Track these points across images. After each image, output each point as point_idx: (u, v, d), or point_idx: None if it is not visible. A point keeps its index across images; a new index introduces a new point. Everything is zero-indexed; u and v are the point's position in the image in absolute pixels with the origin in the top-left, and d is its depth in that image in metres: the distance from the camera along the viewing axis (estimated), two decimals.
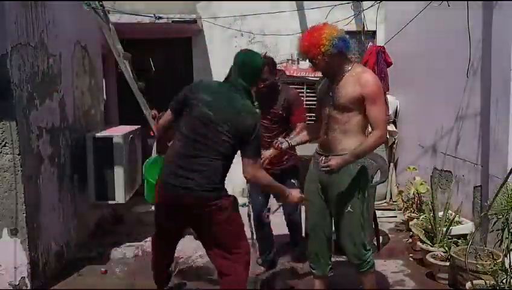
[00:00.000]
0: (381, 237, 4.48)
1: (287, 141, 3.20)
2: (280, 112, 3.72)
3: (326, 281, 3.17)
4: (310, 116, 5.41)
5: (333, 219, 3.01)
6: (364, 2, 5.94)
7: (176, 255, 4.38)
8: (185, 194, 2.60)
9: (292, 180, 3.75)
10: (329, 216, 3.04)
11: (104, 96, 5.96)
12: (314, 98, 5.38)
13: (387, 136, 5.78)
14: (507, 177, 2.36)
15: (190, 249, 4.51)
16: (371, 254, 3.03)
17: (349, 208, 2.89)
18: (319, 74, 5.27)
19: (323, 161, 2.81)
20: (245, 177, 2.71)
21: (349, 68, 2.85)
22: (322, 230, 3.04)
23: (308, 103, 5.35)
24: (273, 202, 3.92)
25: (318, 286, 3.17)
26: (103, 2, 5.01)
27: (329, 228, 3.06)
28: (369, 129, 2.92)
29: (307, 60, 2.92)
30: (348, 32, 6.84)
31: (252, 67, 2.73)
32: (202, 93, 2.68)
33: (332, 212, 3.00)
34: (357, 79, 2.78)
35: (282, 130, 3.74)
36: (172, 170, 2.66)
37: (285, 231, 4.12)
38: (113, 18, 5.21)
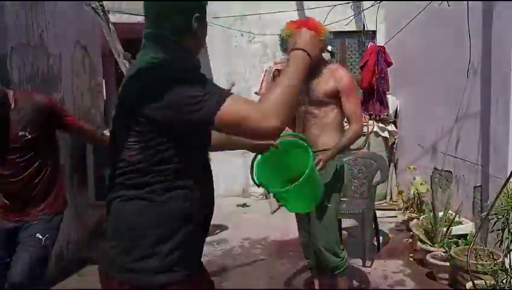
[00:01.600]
0: (381, 237, 4.48)
1: None
2: (22, 133, 2.49)
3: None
4: None
5: (310, 217, 2.95)
6: (364, 2, 5.95)
7: None
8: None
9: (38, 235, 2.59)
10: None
11: (104, 97, 5.96)
12: None
13: (388, 136, 5.79)
14: (509, 178, 2.35)
15: None
16: (346, 257, 2.94)
17: (326, 202, 2.85)
18: None
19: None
20: None
21: (325, 65, 2.93)
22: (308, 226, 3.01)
23: None
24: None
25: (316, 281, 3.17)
26: (103, 2, 5.02)
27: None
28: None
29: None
30: (348, 32, 6.92)
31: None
32: None
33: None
34: (332, 74, 2.86)
35: (49, 153, 2.67)
36: None
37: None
38: (113, 18, 5.21)
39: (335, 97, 2.84)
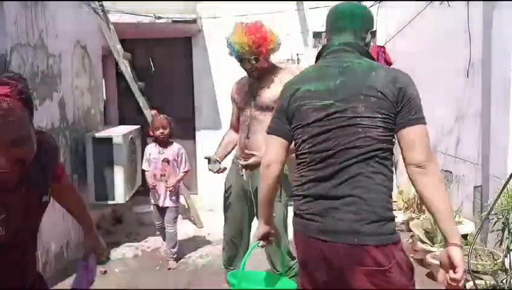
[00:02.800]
0: None
1: (217, 160, 3.08)
2: None
3: None
4: None
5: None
6: (364, 2, 5.94)
7: (175, 255, 4.41)
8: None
9: None
10: (249, 224, 3.05)
11: (104, 96, 5.96)
12: None
13: None
14: (509, 178, 2.36)
15: (190, 248, 4.51)
16: (295, 262, 2.94)
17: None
18: None
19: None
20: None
21: (277, 71, 2.90)
22: (241, 237, 3.04)
23: None
24: None
25: None
26: (103, 2, 5.02)
27: (248, 236, 3.07)
28: None
29: (248, 58, 2.78)
30: None
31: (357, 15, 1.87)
32: (307, 86, 1.78)
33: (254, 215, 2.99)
34: (281, 79, 2.82)
35: None
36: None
37: None
38: (113, 18, 5.21)
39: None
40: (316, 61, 1.89)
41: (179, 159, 4.12)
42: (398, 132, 1.71)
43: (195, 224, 5.24)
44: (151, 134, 5.18)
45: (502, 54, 3.52)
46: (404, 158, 1.72)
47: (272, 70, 2.90)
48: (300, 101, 1.76)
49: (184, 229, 5.09)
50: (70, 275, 3.92)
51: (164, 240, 4.27)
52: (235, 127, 3.11)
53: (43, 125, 3.77)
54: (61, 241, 4.08)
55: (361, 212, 1.65)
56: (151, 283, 3.80)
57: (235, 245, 3.07)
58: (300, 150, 1.80)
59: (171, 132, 4.12)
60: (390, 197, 1.75)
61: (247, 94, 2.92)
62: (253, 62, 2.79)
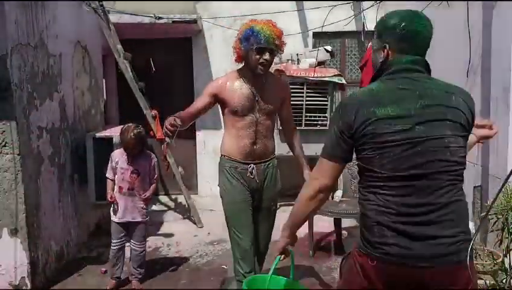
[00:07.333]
0: None
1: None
2: None
3: None
4: (309, 117, 5.40)
5: (260, 218, 3.00)
6: (364, 2, 5.94)
7: (175, 255, 4.41)
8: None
9: None
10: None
11: (104, 96, 5.96)
12: (315, 98, 5.38)
13: None
14: (507, 177, 2.36)
15: (190, 248, 4.51)
16: None
17: (275, 206, 3.07)
18: (320, 74, 5.30)
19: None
20: None
21: (270, 75, 2.95)
22: (254, 243, 2.96)
23: (308, 102, 5.33)
24: None
25: None
26: (103, 2, 5.02)
27: (257, 240, 3.05)
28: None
29: (273, 48, 2.71)
30: (348, 32, 6.89)
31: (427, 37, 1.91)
32: (383, 109, 1.65)
33: (261, 212, 3.00)
34: (277, 81, 2.94)
35: None
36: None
37: None
38: (113, 18, 5.21)
39: (279, 105, 2.92)
40: (374, 79, 1.80)
41: (152, 168, 3.67)
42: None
43: (195, 224, 5.24)
44: (153, 134, 5.17)
45: (501, 54, 3.52)
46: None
47: (269, 73, 2.89)
48: (376, 124, 1.63)
49: (184, 229, 5.10)
50: (71, 274, 3.93)
51: (116, 265, 3.65)
52: (196, 111, 2.85)
53: (43, 125, 3.78)
54: (61, 241, 4.08)
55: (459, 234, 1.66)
56: (151, 283, 3.80)
57: (251, 252, 2.93)
58: (376, 172, 1.66)
59: (143, 142, 3.63)
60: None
61: (248, 98, 2.79)
62: (275, 53, 2.77)
